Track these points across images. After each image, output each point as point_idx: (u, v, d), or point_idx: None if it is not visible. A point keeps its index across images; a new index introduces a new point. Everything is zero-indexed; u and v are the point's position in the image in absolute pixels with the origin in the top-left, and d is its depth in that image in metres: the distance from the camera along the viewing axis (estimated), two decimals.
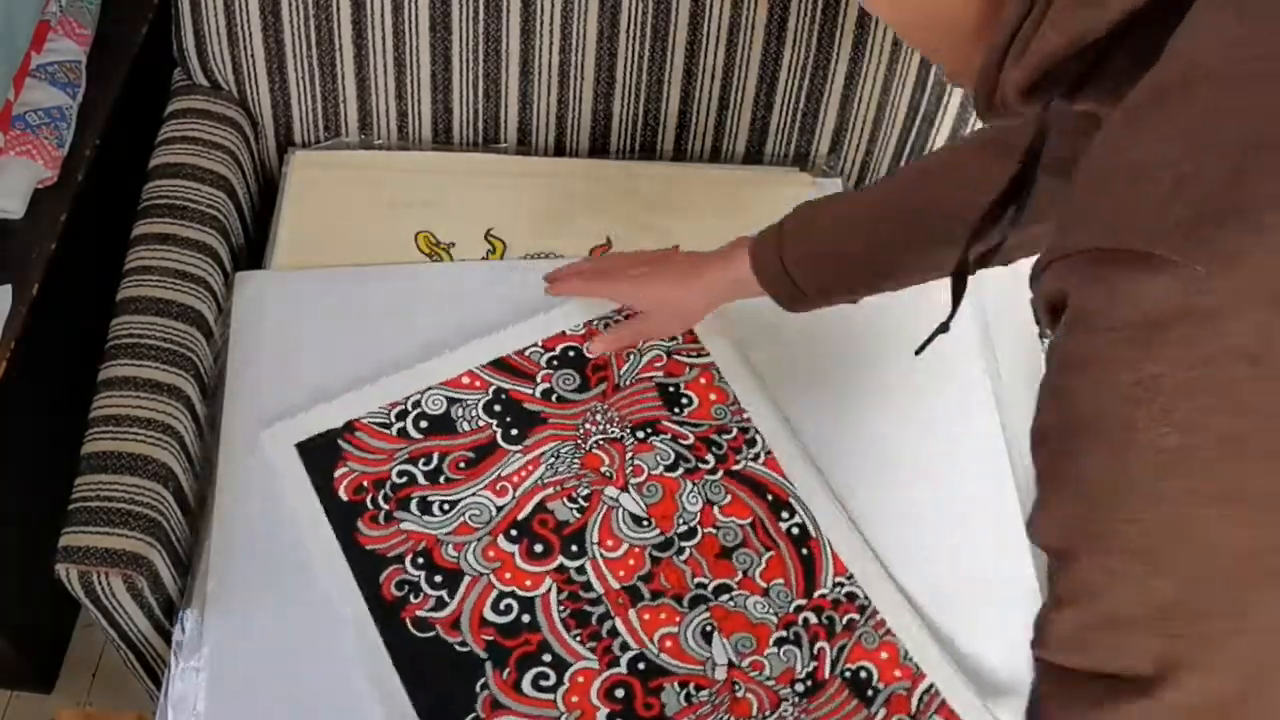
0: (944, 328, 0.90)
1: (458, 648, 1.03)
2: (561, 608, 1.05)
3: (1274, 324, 0.45)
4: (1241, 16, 0.48)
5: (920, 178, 1.02)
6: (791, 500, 1.13)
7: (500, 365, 1.19)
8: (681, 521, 1.11)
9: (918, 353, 0.95)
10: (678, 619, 1.06)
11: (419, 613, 1.05)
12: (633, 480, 1.13)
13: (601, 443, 1.15)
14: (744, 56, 1.34)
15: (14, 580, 1.34)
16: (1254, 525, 0.47)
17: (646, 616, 1.06)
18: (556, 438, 1.15)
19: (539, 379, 1.19)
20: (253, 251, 1.37)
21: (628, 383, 1.19)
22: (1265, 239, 0.45)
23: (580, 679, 1.02)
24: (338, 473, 1.12)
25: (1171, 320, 0.46)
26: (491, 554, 1.08)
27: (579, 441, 1.15)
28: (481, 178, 1.37)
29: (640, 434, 1.16)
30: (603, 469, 1.13)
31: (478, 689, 1.01)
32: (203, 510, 1.12)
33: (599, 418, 1.16)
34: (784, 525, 1.11)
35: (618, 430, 1.15)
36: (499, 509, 1.10)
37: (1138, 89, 0.51)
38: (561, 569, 1.07)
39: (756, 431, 1.16)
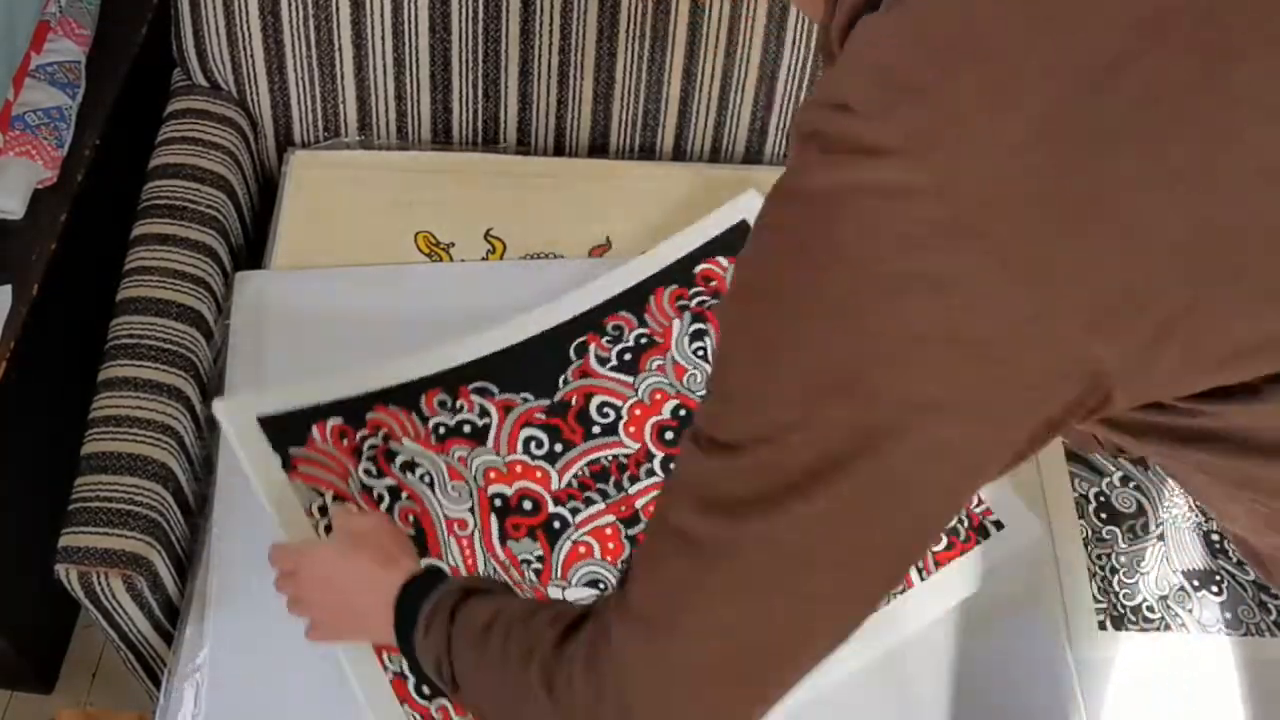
0: None
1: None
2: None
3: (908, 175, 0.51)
4: None
5: None
6: None
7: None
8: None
9: None
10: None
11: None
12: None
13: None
14: (743, 56, 1.34)
15: (14, 580, 1.34)
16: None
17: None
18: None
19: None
20: (253, 251, 1.37)
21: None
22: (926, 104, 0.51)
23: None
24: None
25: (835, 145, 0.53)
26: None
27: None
28: (481, 178, 1.37)
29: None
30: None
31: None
32: (203, 510, 1.12)
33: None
34: None
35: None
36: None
37: None
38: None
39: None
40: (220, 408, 1.06)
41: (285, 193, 1.34)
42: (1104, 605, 1.12)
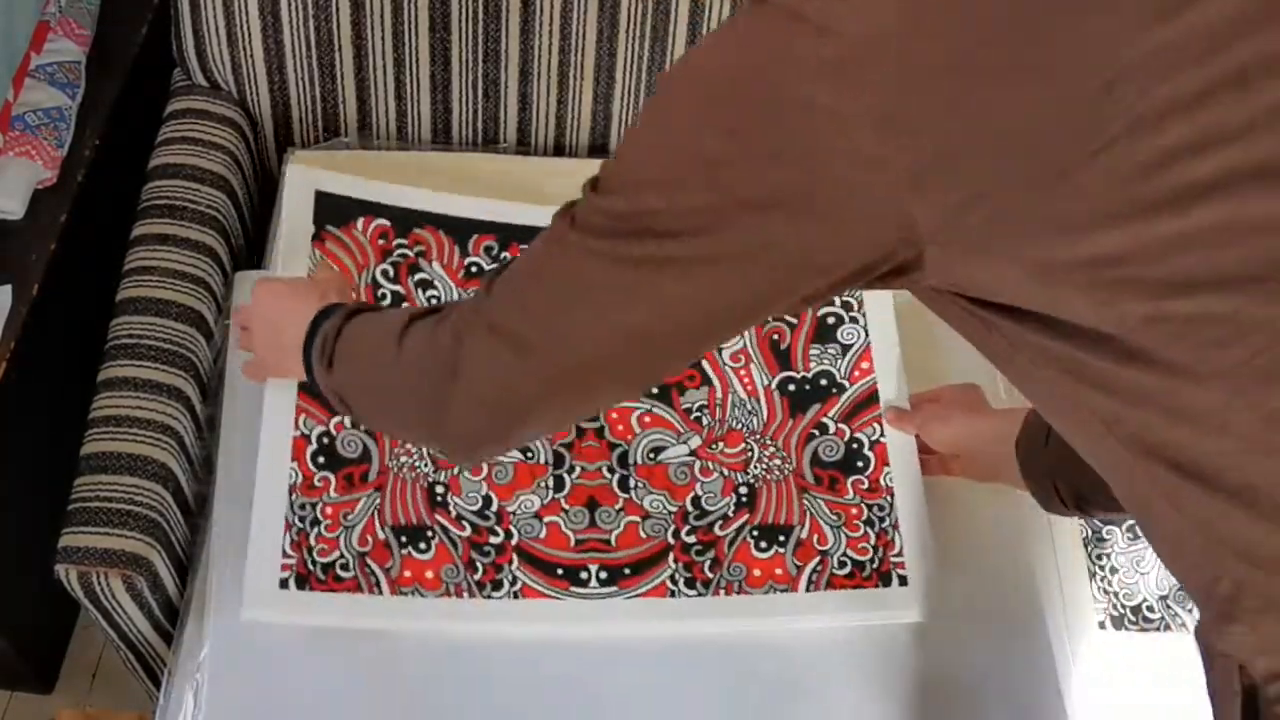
0: None
1: None
2: None
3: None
4: None
5: None
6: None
7: None
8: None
9: None
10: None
11: None
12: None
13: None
14: None
15: (14, 580, 1.34)
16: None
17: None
18: None
19: None
20: (253, 251, 1.37)
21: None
22: None
23: None
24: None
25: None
26: None
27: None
28: (481, 178, 1.37)
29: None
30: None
31: None
32: (203, 510, 1.12)
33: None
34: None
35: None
36: None
37: None
38: None
39: None
40: (292, 169, 1.23)
41: (285, 193, 1.33)
42: (1104, 605, 1.12)
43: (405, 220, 1.23)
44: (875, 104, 0.56)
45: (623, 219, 0.66)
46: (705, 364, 1.19)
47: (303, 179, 1.23)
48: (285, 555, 1.03)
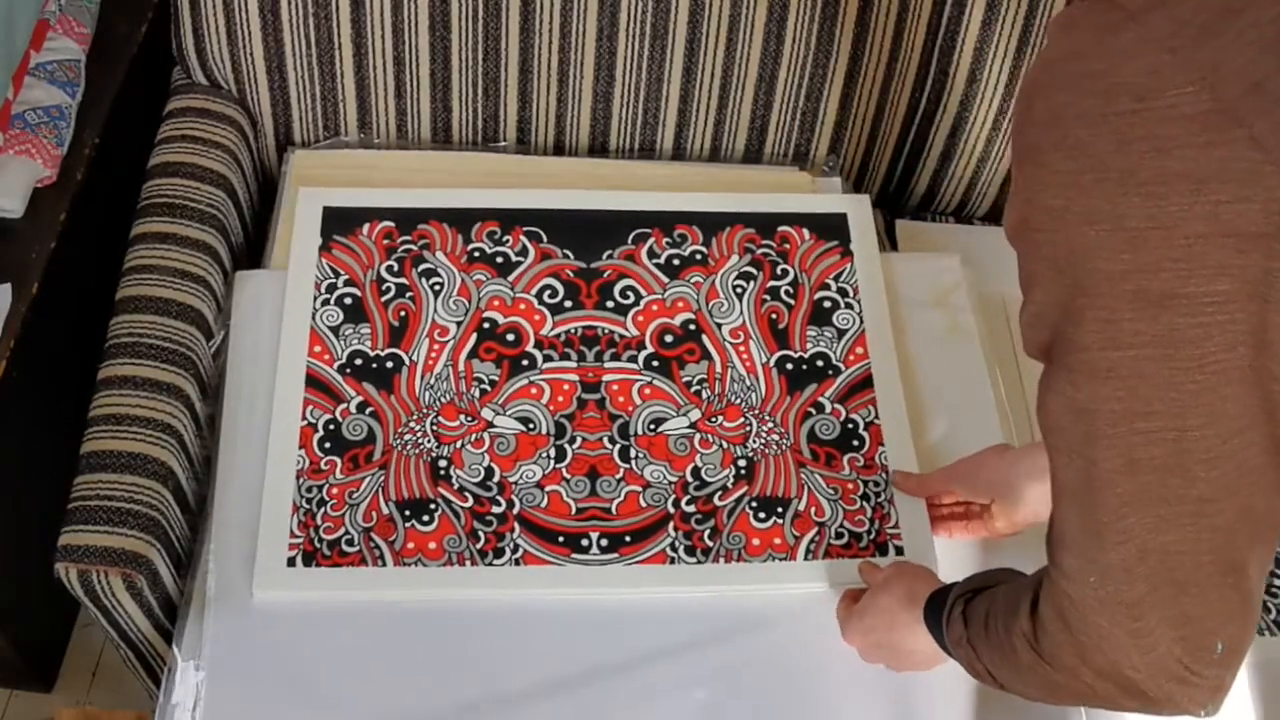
0: None
1: None
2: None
3: (1162, 65, 0.53)
4: None
5: None
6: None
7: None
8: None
9: None
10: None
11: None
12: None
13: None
14: (743, 55, 1.34)
15: (14, 580, 1.34)
16: (1125, 247, 0.56)
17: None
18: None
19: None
20: (253, 251, 1.37)
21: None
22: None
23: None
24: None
25: (1081, 56, 0.57)
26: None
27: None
28: (481, 177, 1.37)
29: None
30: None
31: None
32: (203, 509, 1.12)
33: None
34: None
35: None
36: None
37: None
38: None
39: None
40: (303, 191, 1.27)
41: (285, 192, 1.33)
42: None
43: (409, 219, 1.27)
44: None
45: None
46: (705, 339, 1.21)
47: (312, 198, 1.27)
48: (293, 536, 1.06)
